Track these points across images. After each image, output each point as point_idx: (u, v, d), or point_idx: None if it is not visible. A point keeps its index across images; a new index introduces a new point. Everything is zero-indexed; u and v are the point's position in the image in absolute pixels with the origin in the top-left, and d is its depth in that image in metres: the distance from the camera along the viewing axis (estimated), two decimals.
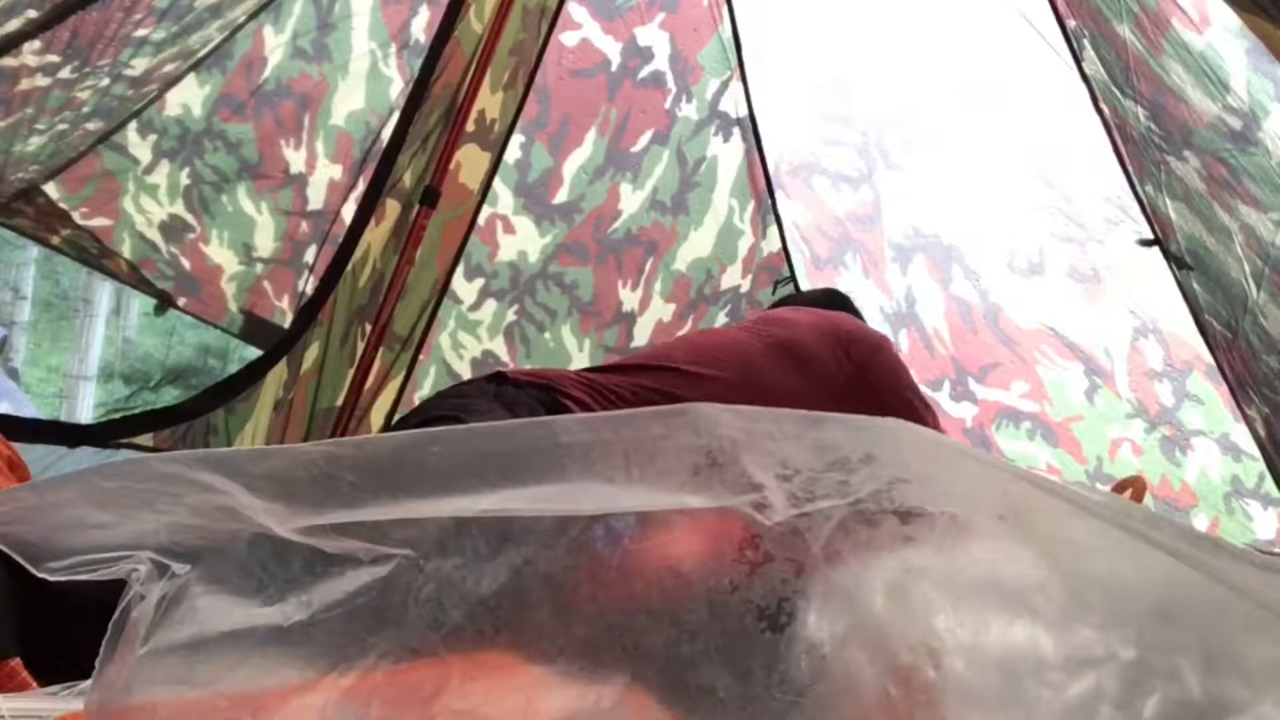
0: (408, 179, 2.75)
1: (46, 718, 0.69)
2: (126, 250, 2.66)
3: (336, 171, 2.78)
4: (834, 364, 1.95)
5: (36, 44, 2.13)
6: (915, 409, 1.97)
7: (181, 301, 2.78)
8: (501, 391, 1.73)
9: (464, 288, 3.05)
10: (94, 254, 2.67)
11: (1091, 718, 0.67)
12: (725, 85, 3.15)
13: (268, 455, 0.67)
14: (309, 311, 2.73)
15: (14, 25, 2.05)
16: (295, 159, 2.74)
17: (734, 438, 0.68)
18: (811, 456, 0.67)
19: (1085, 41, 2.22)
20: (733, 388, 1.80)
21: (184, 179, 2.65)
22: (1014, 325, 2.92)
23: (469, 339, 3.10)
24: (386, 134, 2.75)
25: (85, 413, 7.59)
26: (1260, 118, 1.88)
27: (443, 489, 0.69)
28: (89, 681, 0.67)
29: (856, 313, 2.37)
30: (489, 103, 2.82)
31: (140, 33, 2.27)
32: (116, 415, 2.79)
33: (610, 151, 3.07)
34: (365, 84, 2.74)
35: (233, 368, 3.24)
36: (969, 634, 0.64)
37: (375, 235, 2.74)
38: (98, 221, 2.61)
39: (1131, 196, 2.41)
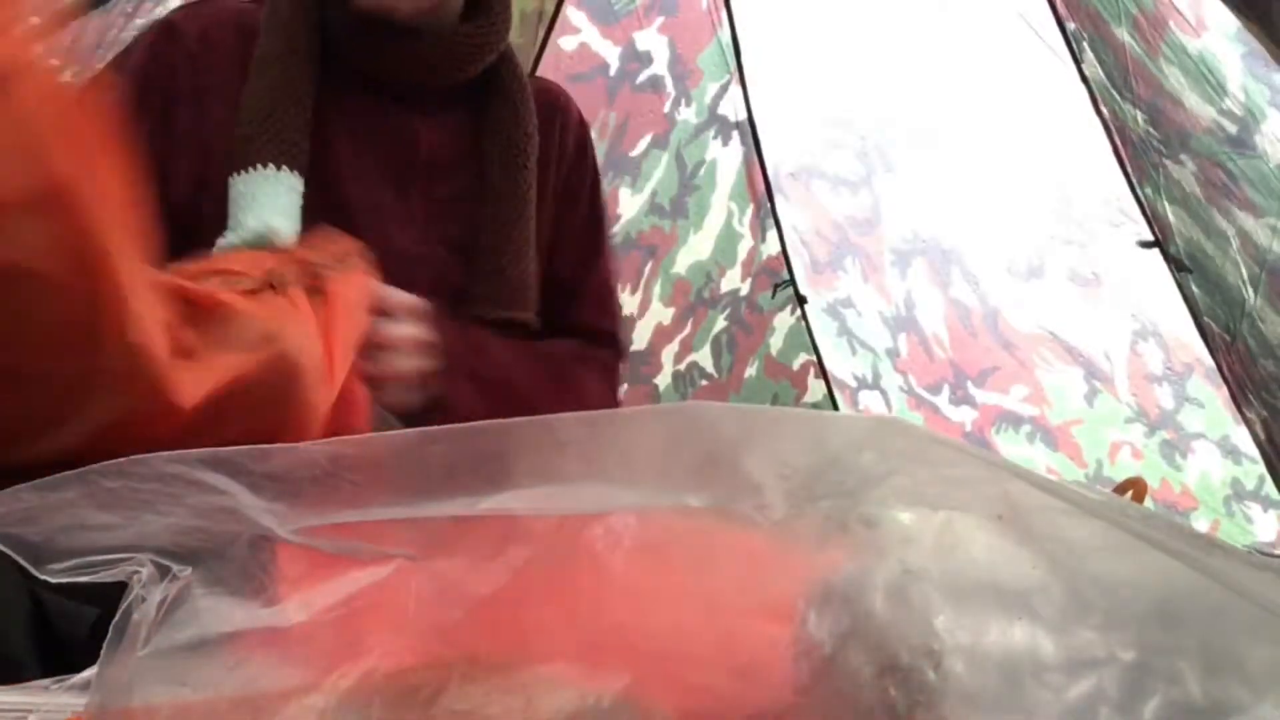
0: None
1: (36, 711, 0.69)
2: None
3: None
4: None
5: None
6: None
7: None
8: None
9: None
10: None
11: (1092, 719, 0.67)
12: (724, 89, 3.16)
13: (270, 454, 0.67)
14: None
15: None
16: None
17: (733, 436, 0.68)
18: (810, 455, 0.67)
19: (1085, 44, 2.22)
20: None
21: None
22: (1013, 329, 2.92)
23: None
24: None
25: None
26: (1257, 122, 1.88)
27: (443, 489, 0.69)
28: (81, 675, 0.67)
29: None
30: None
31: None
32: None
33: (609, 155, 3.07)
34: None
35: None
36: (968, 635, 0.64)
37: None
38: None
39: (1131, 198, 2.41)
